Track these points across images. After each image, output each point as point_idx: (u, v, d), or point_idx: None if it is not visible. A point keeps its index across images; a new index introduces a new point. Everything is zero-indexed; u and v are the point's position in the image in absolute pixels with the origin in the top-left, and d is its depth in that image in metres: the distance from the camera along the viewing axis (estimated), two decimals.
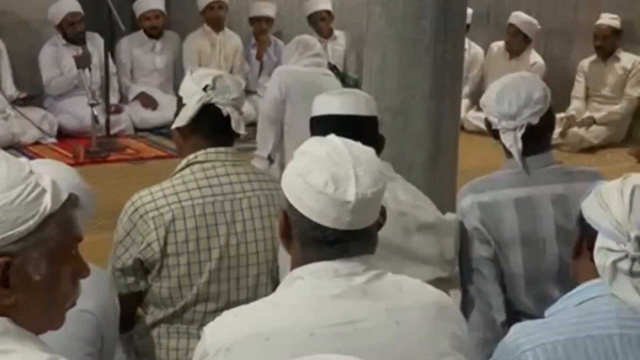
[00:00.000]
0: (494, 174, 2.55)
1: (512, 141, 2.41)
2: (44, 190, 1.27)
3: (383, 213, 1.61)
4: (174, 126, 2.39)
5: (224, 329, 1.55)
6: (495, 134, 2.50)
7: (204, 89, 2.33)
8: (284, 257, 2.34)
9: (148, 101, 6.58)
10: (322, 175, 1.51)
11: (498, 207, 2.42)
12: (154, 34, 6.77)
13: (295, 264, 1.59)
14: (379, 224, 1.61)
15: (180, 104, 2.40)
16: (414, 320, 1.55)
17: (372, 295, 1.54)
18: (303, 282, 1.55)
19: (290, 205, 1.56)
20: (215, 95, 2.34)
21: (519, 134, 2.40)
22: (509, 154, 2.47)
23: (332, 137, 1.59)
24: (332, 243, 1.53)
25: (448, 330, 1.58)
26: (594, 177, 2.34)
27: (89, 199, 2.10)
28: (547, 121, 2.43)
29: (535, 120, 2.39)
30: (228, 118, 2.36)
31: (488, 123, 2.53)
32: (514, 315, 2.39)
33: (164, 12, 6.76)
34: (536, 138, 2.41)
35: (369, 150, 1.59)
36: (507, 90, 2.43)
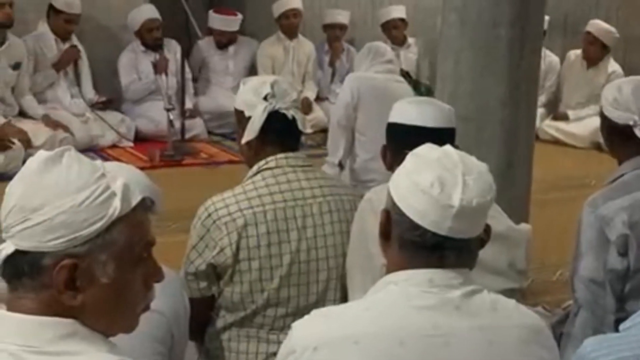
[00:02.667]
0: (623, 179, 2.50)
1: None
2: (113, 194, 1.28)
3: (487, 231, 1.58)
4: (243, 141, 2.38)
5: (313, 329, 1.54)
6: (622, 132, 2.45)
7: (265, 98, 2.35)
8: (353, 263, 2.35)
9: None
10: (429, 175, 1.50)
11: None
12: (222, 47, 6.86)
13: (391, 268, 1.57)
14: (482, 242, 1.58)
15: (241, 119, 2.40)
16: (506, 341, 1.52)
17: (466, 311, 1.51)
18: (396, 288, 1.53)
19: (394, 204, 1.55)
20: (277, 101, 2.35)
21: None
22: (624, 156, 2.43)
23: (447, 146, 1.58)
24: (430, 248, 1.51)
25: (538, 354, 1.55)
26: None
27: (157, 200, 2.14)
28: None
29: None
30: (293, 120, 2.37)
31: (610, 123, 2.50)
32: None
33: (235, 31, 6.82)
34: None
35: (483, 165, 1.57)
36: None
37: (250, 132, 2.36)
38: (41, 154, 1.29)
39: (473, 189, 1.50)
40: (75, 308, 1.27)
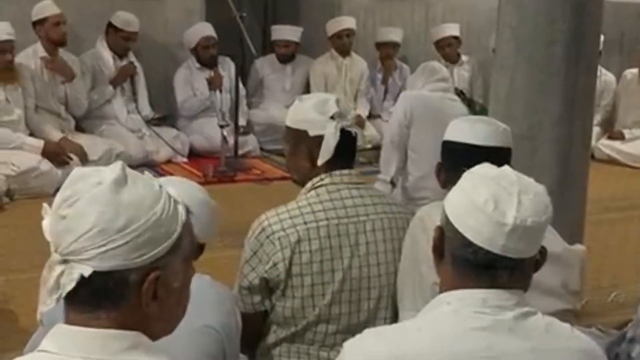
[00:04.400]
0: None
1: None
2: (176, 202, 1.32)
3: (543, 253, 1.57)
4: (320, 162, 2.34)
5: (365, 347, 1.54)
6: None
7: (332, 117, 2.35)
8: (403, 281, 2.35)
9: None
10: (484, 193, 1.50)
11: None
12: (284, 60, 6.97)
13: (444, 286, 1.56)
14: (537, 264, 1.57)
15: (301, 138, 2.38)
16: None
17: (519, 333, 1.49)
18: (449, 308, 1.52)
19: (448, 220, 1.54)
20: (343, 120, 2.36)
21: None
22: None
23: (505, 167, 1.58)
24: (482, 267, 1.50)
25: None
26: None
27: (216, 214, 2.17)
28: None
29: None
30: (355, 137, 2.39)
31: None
32: None
33: (298, 42, 6.93)
34: None
35: (540, 186, 1.57)
36: None
37: (326, 153, 2.34)
38: (90, 174, 1.28)
39: (528, 208, 1.49)
40: (147, 318, 1.30)
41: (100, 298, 1.27)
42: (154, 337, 1.33)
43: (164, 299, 1.30)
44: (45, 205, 1.30)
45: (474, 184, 1.52)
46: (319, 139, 2.34)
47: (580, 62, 3.22)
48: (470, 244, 1.50)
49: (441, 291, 1.57)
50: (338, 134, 2.33)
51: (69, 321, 1.28)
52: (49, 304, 1.26)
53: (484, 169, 1.57)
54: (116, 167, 1.30)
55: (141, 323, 1.29)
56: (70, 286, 1.25)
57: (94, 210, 1.24)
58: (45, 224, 1.29)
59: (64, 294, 1.26)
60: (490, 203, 1.48)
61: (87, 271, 1.24)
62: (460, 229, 1.51)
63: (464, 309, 1.50)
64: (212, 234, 2.16)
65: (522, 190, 1.51)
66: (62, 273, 1.26)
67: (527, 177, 1.57)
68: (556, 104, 3.23)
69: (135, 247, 1.26)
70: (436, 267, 1.61)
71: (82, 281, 1.25)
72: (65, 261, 1.26)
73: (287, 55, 6.95)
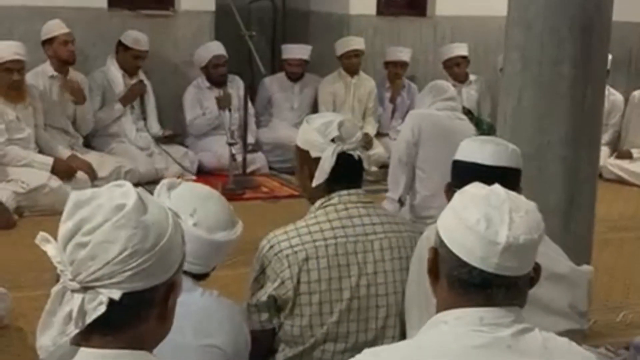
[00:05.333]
0: None
1: None
2: (175, 213, 1.37)
3: (537, 269, 1.57)
4: (314, 184, 2.39)
5: None
6: None
7: (332, 140, 2.38)
8: (411, 300, 2.35)
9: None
10: (476, 212, 1.50)
11: None
12: (295, 78, 7.01)
13: (441, 307, 1.57)
14: (532, 280, 1.57)
15: (305, 158, 2.42)
16: None
17: (517, 350, 1.49)
18: (446, 327, 1.52)
19: (441, 241, 1.55)
20: (345, 143, 2.38)
21: None
22: None
23: (495, 185, 1.59)
24: (478, 286, 1.51)
25: None
26: None
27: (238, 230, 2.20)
28: None
29: None
30: (359, 160, 2.40)
31: None
32: None
33: (308, 60, 6.98)
34: None
35: (531, 203, 1.57)
36: None
37: (321, 175, 2.38)
38: (94, 197, 1.29)
39: (520, 226, 1.50)
40: (148, 335, 1.32)
41: (127, 318, 1.28)
42: (154, 347, 1.36)
43: (171, 309, 1.35)
44: (44, 234, 1.29)
45: (464, 204, 1.53)
46: (319, 160, 2.38)
47: (588, 82, 3.23)
48: (464, 264, 1.51)
49: (438, 311, 1.57)
50: (334, 158, 2.36)
51: (88, 345, 1.28)
52: (68, 333, 1.26)
53: (474, 189, 1.57)
54: (128, 189, 1.31)
55: (145, 341, 1.32)
56: (100, 311, 1.25)
57: (122, 235, 1.25)
58: (53, 253, 1.28)
59: (89, 321, 1.26)
60: (482, 222, 1.49)
61: (116, 294, 1.25)
62: (454, 250, 1.52)
63: (462, 328, 1.51)
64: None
65: (513, 208, 1.51)
66: (84, 300, 1.26)
67: (517, 194, 1.57)
68: (564, 124, 3.23)
69: (164, 263, 1.29)
70: (432, 288, 1.61)
71: (111, 305, 1.26)
72: (86, 288, 1.26)
73: (298, 73, 6.99)
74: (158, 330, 1.34)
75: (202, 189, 2.18)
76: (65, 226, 1.27)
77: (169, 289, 1.32)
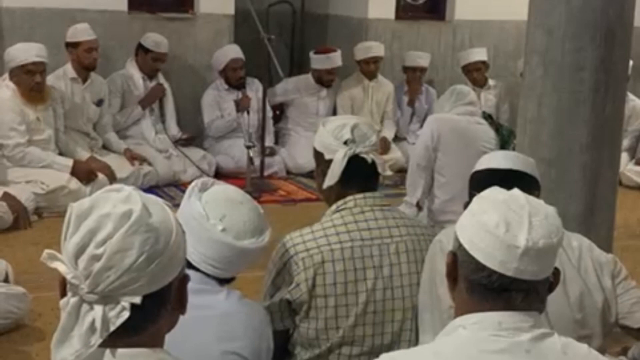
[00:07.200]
0: None
1: None
2: (171, 208, 1.40)
3: (556, 274, 1.56)
4: (325, 186, 2.40)
5: None
6: None
7: (345, 142, 2.38)
8: (423, 304, 2.34)
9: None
10: (495, 216, 1.50)
11: None
12: (327, 85, 6.89)
13: (459, 311, 1.56)
14: (551, 285, 1.56)
15: (320, 160, 2.43)
16: None
17: (536, 355, 1.48)
18: (465, 332, 1.52)
19: (460, 245, 1.55)
20: (357, 146, 2.38)
21: None
22: None
23: (514, 189, 1.58)
24: (497, 290, 1.50)
25: None
26: None
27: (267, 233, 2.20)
28: None
29: None
30: (373, 163, 2.40)
31: None
32: None
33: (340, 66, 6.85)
34: None
35: (551, 207, 1.56)
36: None
37: (332, 177, 2.38)
38: (96, 207, 1.27)
39: (539, 230, 1.49)
40: (175, 319, 1.36)
41: (149, 317, 1.29)
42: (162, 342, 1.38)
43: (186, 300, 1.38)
44: (50, 252, 1.27)
45: (484, 208, 1.53)
46: (331, 163, 2.38)
47: (608, 88, 3.21)
48: (483, 268, 1.50)
49: (456, 315, 1.57)
50: (345, 160, 2.36)
51: (115, 347, 1.28)
52: (92, 344, 1.24)
53: (493, 193, 1.57)
54: (128, 193, 1.30)
55: (163, 331, 1.35)
56: (123, 318, 1.25)
57: (135, 241, 1.25)
58: (64, 269, 1.25)
59: (113, 328, 1.25)
60: (501, 226, 1.48)
61: (138, 299, 1.25)
62: (473, 254, 1.51)
63: (480, 333, 1.50)
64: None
65: (532, 213, 1.50)
66: (105, 310, 1.25)
67: (536, 198, 1.57)
68: (584, 130, 3.21)
69: (176, 259, 1.31)
70: (450, 292, 1.60)
71: (132, 308, 1.26)
72: (105, 297, 1.25)
73: (330, 80, 6.84)
74: (174, 318, 1.37)
75: (235, 193, 2.14)
76: (72, 241, 1.25)
77: (182, 281, 1.35)
